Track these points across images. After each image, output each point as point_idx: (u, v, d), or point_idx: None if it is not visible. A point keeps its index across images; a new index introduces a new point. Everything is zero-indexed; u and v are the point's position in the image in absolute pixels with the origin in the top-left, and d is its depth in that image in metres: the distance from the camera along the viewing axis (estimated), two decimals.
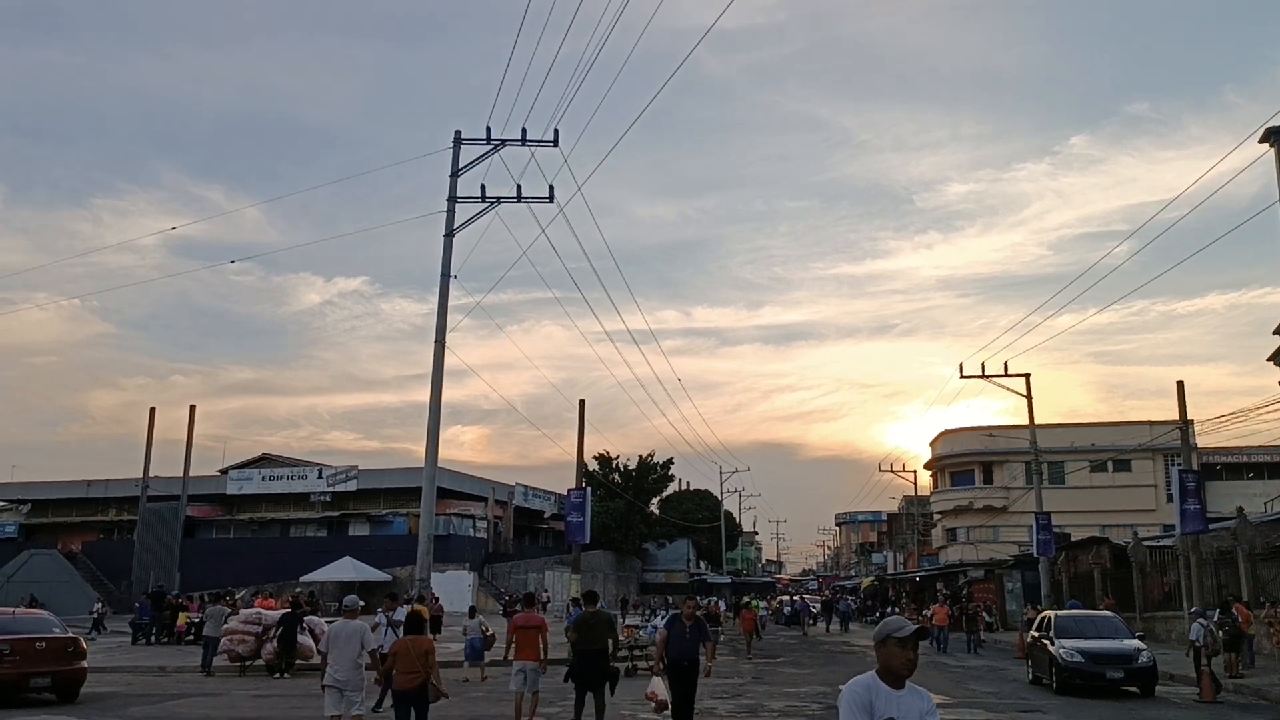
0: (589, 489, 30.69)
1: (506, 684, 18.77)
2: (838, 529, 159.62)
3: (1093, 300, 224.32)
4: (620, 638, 15.94)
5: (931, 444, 64.29)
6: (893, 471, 67.04)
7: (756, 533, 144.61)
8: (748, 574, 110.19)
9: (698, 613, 12.73)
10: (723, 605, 52.31)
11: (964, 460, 61.11)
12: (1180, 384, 22.79)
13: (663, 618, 23.21)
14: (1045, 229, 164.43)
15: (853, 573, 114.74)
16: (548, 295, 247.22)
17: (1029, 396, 35.12)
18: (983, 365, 36.25)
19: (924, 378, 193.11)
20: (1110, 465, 54.95)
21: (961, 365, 36.19)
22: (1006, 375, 35.20)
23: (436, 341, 26.15)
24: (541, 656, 13.07)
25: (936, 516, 65.44)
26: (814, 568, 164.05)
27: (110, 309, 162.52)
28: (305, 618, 21.78)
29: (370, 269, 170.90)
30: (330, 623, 22.92)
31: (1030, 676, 20.20)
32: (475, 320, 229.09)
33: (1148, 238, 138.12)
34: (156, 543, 55.39)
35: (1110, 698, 17.20)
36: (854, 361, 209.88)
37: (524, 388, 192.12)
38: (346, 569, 50.09)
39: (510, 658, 13.59)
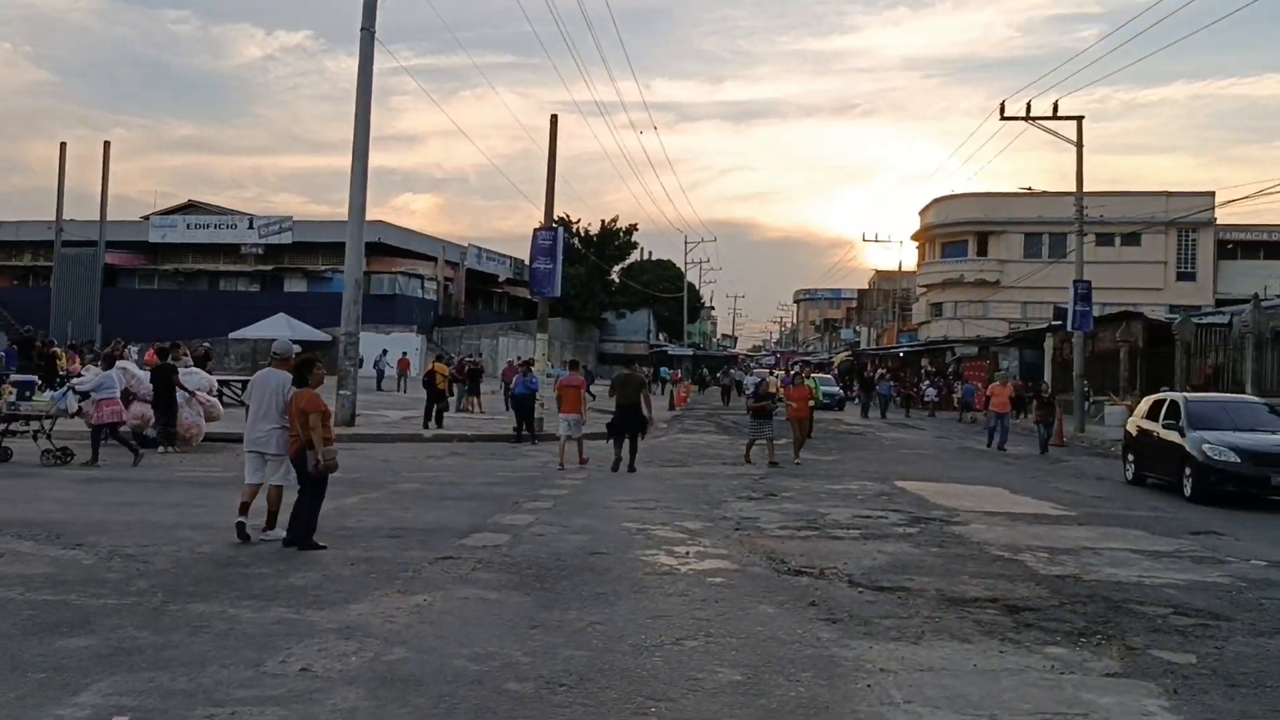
0: (560, 229, 25.36)
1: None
2: (795, 305, 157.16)
3: (1057, 88, 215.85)
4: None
5: (921, 213, 59.38)
6: (875, 241, 62.59)
7: (714, 307, 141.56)
8: (704, 347, 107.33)
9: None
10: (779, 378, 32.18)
11: (957, 230, 56.35)
12: None
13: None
14: (1016, 8, 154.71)
15: (812, 348, 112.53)
16: (501, 60, 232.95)
17: (1079, 144, 29.73)
18: (1028, 105, 30.57)
19: (882, 160, 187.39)
20: (1117, 239, 50.49)
21: (1003, 105, 30.41)
22: (1055, 118, 29.66)
23: (364, 29, 20.13)
24: (582, 410, 15.75)
25: (921, 290, 61.26)
26: (761, 344, 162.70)
27: (46, 55, 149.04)
28: (178, 371, 15.75)
29: (313, 22, 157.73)
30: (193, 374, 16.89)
31: (1130, 475, 15.89)
32: (427, 83, 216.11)
33: (1118, 21, 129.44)
34: (75, 291, 50.68)
35: (1271, 510, 12.91)
36: (814, 142, 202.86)
37: (477, 158, 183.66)
38: (281, 326, 45.18)
39: (559, 412, 16.06)
